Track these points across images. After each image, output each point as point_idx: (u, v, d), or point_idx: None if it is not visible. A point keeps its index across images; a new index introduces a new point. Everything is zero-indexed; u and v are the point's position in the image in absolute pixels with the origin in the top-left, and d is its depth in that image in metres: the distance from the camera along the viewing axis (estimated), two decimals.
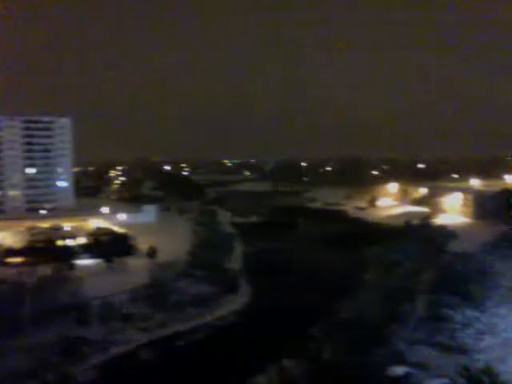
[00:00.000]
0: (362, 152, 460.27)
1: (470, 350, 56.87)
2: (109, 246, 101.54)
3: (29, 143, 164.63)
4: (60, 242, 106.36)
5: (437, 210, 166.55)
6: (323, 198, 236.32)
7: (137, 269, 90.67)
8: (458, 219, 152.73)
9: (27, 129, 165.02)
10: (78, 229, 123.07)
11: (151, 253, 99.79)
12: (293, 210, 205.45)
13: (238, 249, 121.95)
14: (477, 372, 49.27)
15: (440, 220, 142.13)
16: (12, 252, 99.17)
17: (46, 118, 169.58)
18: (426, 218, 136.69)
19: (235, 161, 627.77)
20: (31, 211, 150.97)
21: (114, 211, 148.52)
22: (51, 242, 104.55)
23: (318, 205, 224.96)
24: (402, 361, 53.93)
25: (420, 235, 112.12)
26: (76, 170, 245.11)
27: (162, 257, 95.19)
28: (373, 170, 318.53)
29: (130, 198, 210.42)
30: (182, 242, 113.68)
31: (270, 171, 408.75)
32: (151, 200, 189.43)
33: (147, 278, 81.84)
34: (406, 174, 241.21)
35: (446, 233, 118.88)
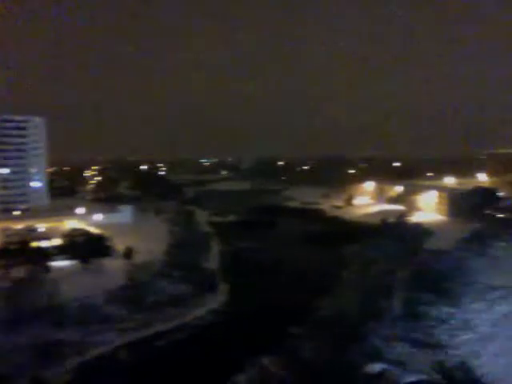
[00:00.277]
0: (339, 151, 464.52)
1: (446, 345, 57.85)
2: (84, 247, 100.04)
3: (1, 143, 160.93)
4: (35, 244, 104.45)
5: (412, 208, 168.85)
6: (300, 196, 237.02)
7: (113, 270, 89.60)
8: (433, 217, 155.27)
9: None
10: (53, 230, 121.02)
11: (128, 253, 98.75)
12: (270, 208, 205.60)
13: (216, 248, 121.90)
14: (451, 367, 50.30)
15: (416, 218, 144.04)
16: None
17: (19, 117, 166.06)
18: (401, 216, 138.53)
19: (212, 160, 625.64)
20: (4, 212, 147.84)
21: (89, 212, 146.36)
22: (26, 243, 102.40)
23: (295, 204, 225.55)
24: (379, 358, 54.57)
25: (396, 233, 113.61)
26: (51, 170, 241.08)
27: (138, 257, 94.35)
28: (350, 168, 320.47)
29: (106, 199, 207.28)
30: (158, 243, 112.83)
31: (247, 170, 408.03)
32: (127, 200, 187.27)
33: (124, 279, 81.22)
34: (382, 173, 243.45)
35: (421, 230, 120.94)
